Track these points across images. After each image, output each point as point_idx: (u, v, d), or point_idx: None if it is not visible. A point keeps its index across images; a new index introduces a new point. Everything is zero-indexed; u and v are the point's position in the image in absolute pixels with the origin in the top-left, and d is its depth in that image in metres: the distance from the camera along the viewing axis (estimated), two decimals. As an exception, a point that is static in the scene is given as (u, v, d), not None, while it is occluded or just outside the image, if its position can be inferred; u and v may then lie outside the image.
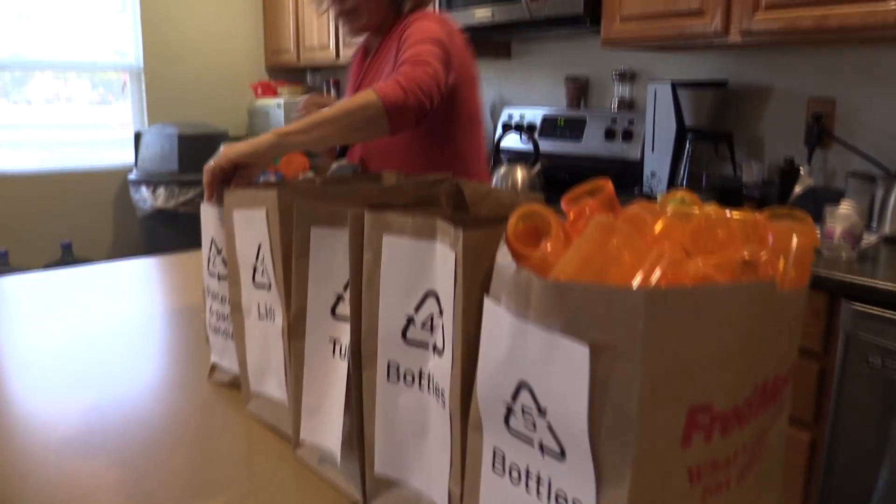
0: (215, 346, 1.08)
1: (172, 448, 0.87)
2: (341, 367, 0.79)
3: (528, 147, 2.60)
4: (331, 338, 0.80)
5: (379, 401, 0.71)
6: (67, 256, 3.81)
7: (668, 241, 0.51)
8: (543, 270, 0.51)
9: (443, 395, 0.64)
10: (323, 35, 3.77)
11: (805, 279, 0.53)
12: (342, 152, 1.20)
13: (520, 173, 2.32)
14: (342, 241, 0.78)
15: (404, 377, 0.69)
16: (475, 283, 0.58)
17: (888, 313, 1.41)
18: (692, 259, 0.50)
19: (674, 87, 2.28)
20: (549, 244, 0.52)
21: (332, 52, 3.71)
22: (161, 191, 3.58)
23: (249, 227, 0.92)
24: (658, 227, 0.55)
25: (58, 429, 0.92)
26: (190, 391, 1.04)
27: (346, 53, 3.60)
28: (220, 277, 1.04)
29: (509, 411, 0.53)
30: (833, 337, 1.48)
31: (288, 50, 4.13)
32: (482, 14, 2.50)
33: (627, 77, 2.66)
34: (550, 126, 2.78)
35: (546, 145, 2.74)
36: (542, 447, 0.51)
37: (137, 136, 3.83)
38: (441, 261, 0.63)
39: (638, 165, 2.51)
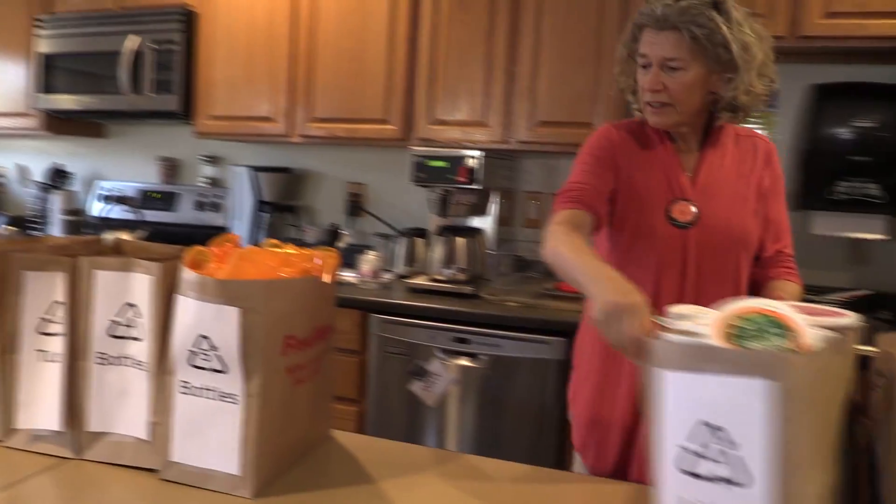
0: None
1: None
2: (51, 368, 1.13)
3: (130, 216, 2.93)
4: (38, 349, 1.14)
5: (91, 380, 1.10)
6: None
7: (272, 262, 1.07)
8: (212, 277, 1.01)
9: (142, 364, 1.07)
10: None
11: (333, 278, 1.13)
12: None
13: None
14: (47, 280, 1.14)
15: (110, 361, 1.10)
16: (165, 292, 1.05)
17: (398, 319, 2.26)
18: (283, 269, 1.07)
19: (253, 170, 2.91)
20: (212, 265, 1.03)
21: None
22: None
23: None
24: (263, 256, 1.11)
25: None
26: None
27: None
28: None
29: (193, 354, 1.01)
30: (367, 339, 2.24)
31: None
32: (85, 101, 2.78)
33: (213, 160, 3.21)
34: (147, 198, 3.14)
35: (146, 215, 3.10)
36: (213, 370, 1.00)
37: None
38: (138, 283, 1.08)
39: (225, 230, 3.04)
